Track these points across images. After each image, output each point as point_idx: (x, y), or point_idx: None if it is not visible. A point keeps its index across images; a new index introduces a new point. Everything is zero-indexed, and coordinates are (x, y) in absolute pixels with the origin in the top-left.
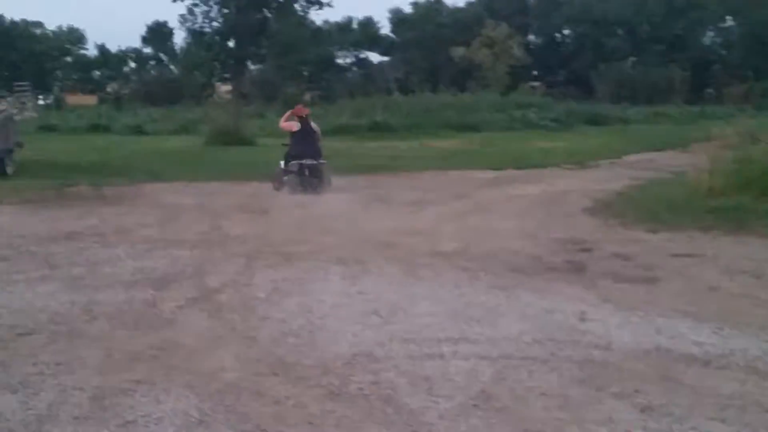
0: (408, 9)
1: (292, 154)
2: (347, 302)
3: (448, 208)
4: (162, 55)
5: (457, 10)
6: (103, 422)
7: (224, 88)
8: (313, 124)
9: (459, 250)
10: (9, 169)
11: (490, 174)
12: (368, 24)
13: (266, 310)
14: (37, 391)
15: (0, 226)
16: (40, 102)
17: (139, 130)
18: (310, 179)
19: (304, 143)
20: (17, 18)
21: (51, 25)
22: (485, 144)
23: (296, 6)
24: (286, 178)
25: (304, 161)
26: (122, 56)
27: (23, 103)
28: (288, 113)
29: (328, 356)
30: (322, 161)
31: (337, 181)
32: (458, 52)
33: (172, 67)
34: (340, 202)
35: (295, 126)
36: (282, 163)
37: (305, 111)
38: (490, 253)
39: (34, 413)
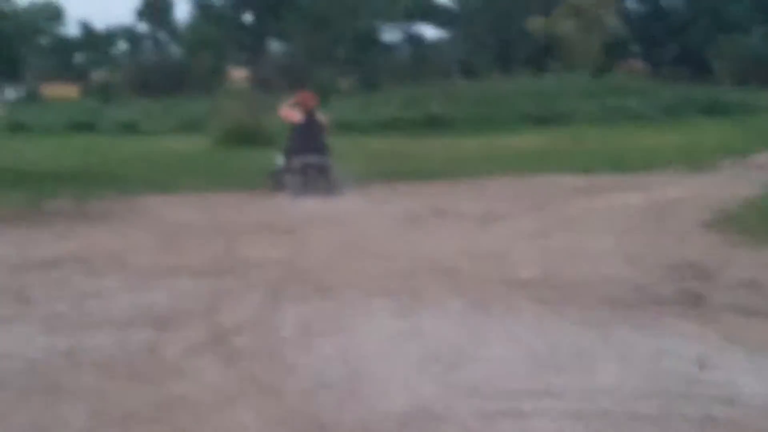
0: None
1: (294, 150)
2: (398, 345)
3: (525, 223)
4: (161, 34)
5: None
6: None
7: (239, 74)
8: (319, 115)
9: (540, 278)
10: None
11: (580, 179)
12: None
13: (295, 356)
14: None
15: None
16: (10, 95)
17: (132, 128)
18: (317, 180)
19: (308, 136)
20: None
21: None
22: (573, 141)
23: None
24: (287, 178)
25: (308, 158)
26: (111, 36)
27: None
28: (292, 100)
29: (374, 414)
30: (328, 159)
31: (381, 189)
32: (537, 24)
33: (173, 48)
34: (386, 217)
35: (298, 116)
36: (280, 159)
37: (314, 101)
38: (581, 280)
39: None
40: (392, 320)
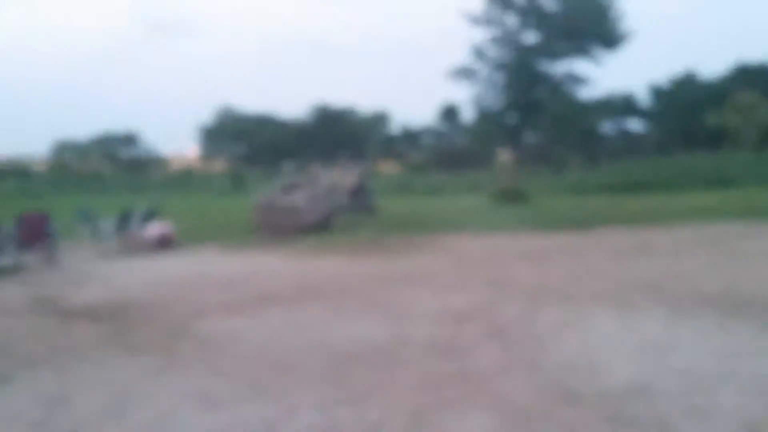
0: (664, 83)
1: None
2: (622, 339)
3: (704, 256)
4: (452, 130)
5: (709, 82)
6: None
7: (505, 155)
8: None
9: (719, 293)
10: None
11: (741, 226)
12: (628, 98)
13: (550, 344)
14: (367, 406)
15: (334, 270)
16: (358, 169)
17: (436, 191)
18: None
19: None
20: (340, 104)
21: (364, 109)
22: (738, 199)
23: (565, 86)
24: None
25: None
26: (421, 132)
27: (348, 170)
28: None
29: (607, 385)
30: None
31: (601, 231)
32: (712, 118)
33: (460, 138)
34: (603, 250)
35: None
36: None
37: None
38: (753, 296)
39: (365, 422)
40: (614, 321)
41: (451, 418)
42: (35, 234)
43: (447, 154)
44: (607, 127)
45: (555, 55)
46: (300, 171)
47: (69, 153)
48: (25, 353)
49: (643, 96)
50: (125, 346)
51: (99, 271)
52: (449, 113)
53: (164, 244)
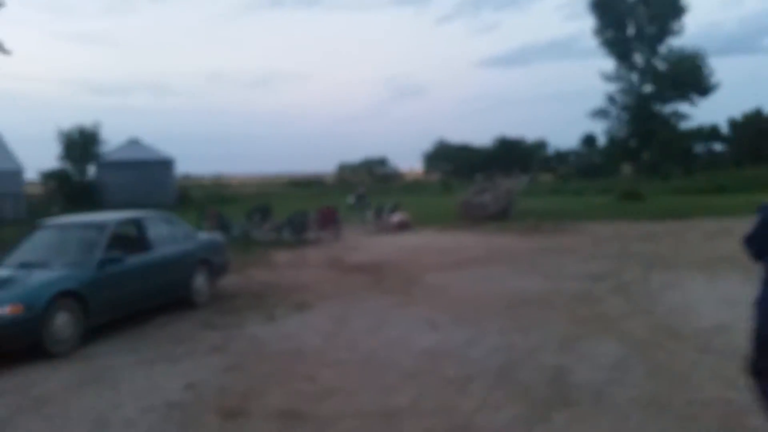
0: (739, 116)
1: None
2: (708, 294)
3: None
4: (590, 151)
5: None
6: (564, 353)
7: (627, 168)
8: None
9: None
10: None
11: None
12: (714, 128)
13: (658, 297)
14: (531, 333)
15: (509, 244)
16: (524, 180)
17: (572, 192)
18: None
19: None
20: (514, 135)
21: (530, 138)
22: None
23: (671, 120)
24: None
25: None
26: (568, 153)
27: (518, 180)
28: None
29: (698, 325)
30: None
31: (698, 223)
32: None
33: (596, 157)
34: (699, 235)
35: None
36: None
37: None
38: None
39: (531, 344)
40: (703, 281)
41: (589, 344)
42: (328, 219)
43: (586, 168)
44: (699, 148)
45: (664, 100)
46: (487, 180)
47: (346, 170)
48: (322, 291)
49: (724, 126)
50: (380, 289)
51: (364, 243)
52: (589, 140)
53: (402, 227)
